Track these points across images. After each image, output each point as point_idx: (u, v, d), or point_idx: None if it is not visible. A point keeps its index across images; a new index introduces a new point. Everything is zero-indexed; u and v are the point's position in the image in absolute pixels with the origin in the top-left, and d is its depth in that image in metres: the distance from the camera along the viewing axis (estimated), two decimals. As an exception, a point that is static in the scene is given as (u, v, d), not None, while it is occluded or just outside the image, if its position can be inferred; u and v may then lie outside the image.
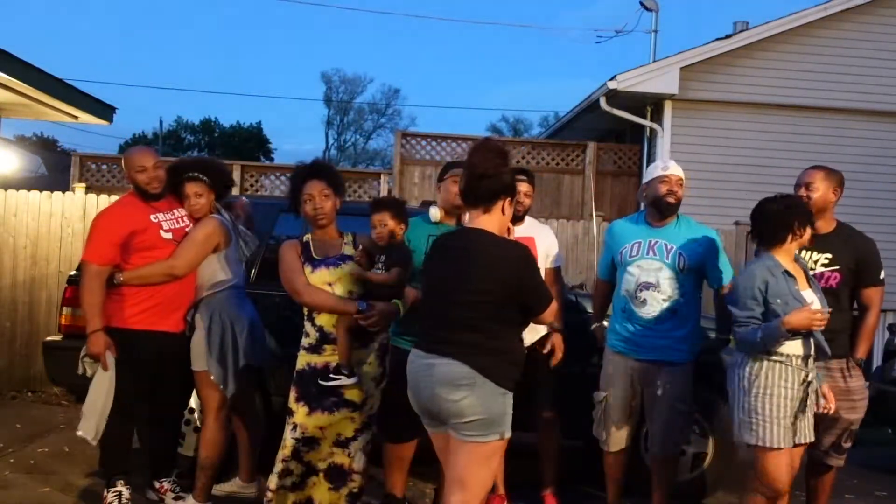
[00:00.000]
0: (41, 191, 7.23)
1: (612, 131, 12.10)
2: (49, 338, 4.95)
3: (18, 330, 6.89)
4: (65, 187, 9.11)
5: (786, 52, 10.08)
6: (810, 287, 3.28)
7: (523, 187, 3.98)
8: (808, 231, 3.25)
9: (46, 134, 31.55)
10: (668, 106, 10.08)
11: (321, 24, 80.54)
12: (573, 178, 10.87)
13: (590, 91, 10.67)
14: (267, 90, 73.83)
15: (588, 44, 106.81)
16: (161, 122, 36.10)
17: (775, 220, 3.23)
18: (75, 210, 7.03)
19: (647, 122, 10.28)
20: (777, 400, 3.14)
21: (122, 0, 73.41)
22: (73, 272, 4.84)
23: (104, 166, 11.00)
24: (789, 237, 3.21)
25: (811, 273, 3.43)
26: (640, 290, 3.65)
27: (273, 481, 3.37)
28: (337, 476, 3.38)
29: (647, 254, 3.71)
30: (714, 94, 10.13)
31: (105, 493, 3.78)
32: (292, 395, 3.39)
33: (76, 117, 8.20)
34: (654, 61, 10.61)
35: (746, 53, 10.05)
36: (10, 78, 6.48)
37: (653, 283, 3.66)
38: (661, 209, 3.74)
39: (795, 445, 3.22)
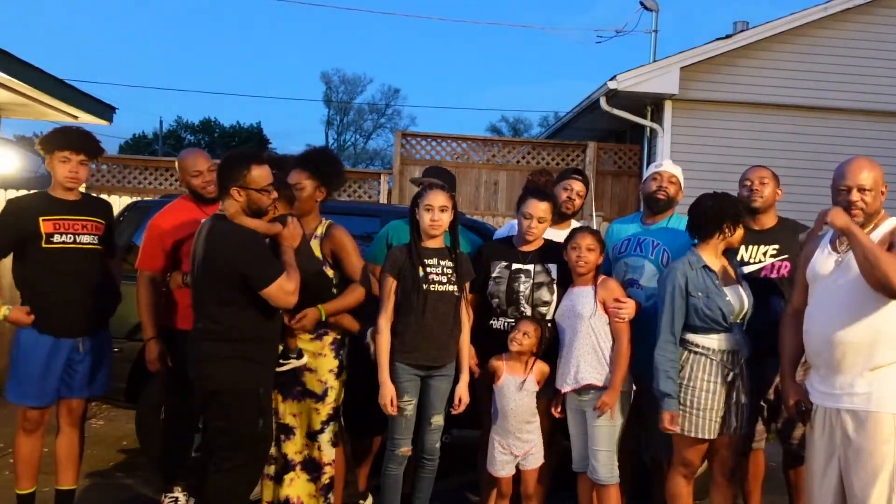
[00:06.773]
0: (41, 191, 7.21)
1: (612, 131, 12.10)
2: (49, 338, 4.92)
3: (18, 330, 6.87)
4: (65, 187, 9.07)
5: (786, 52, 10.07)
6: (739, 284, 3.33)
7: (576, 186, 3.98)
8: (739, 231, 3.36)
9: (46, 134, 31.52)
10: (668, 106, 10.07)
11: (321, 24, 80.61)
12: (573, 179, 10.84)
13: (590, 91, 10.67)
14: (267, 90, 73.97)
15: (588, 44, 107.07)
16: (161, 122, 36.14)
17: (708, 215, 3.31)
18: (75, 210, 6.99)
19: (647, 122, 10.28)
20: (698, 393, 3.20)
21: (122, 0, 73.54)
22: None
23: (104, 166, 10.98)
24: (717, 234, 3.31)
25: (761, 265, 3.56)
26: (625, 287, 3.64)
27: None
28: (313, 468, 3.47)
29: (635, 250, 3.74)
30: (714, 94, 10.12)
31: (162, 498, 3.77)
32: None
33: (76, 117, 8.18)
34: (655, 61, 10.60)
35: (746, 53, 10.03)
36: (10, 78, 6.48)
37: (636, 280, 3.67)
38: (652, 206, 3.81)
39: (728, 435, 3.24)
